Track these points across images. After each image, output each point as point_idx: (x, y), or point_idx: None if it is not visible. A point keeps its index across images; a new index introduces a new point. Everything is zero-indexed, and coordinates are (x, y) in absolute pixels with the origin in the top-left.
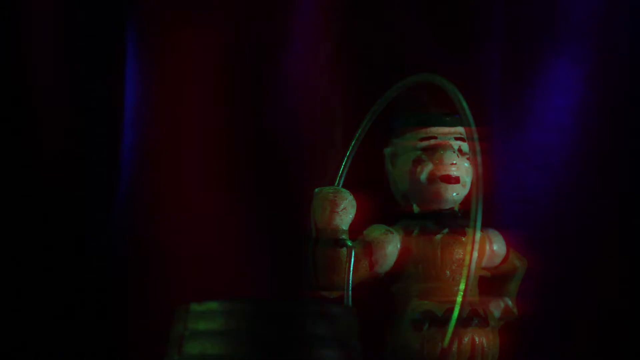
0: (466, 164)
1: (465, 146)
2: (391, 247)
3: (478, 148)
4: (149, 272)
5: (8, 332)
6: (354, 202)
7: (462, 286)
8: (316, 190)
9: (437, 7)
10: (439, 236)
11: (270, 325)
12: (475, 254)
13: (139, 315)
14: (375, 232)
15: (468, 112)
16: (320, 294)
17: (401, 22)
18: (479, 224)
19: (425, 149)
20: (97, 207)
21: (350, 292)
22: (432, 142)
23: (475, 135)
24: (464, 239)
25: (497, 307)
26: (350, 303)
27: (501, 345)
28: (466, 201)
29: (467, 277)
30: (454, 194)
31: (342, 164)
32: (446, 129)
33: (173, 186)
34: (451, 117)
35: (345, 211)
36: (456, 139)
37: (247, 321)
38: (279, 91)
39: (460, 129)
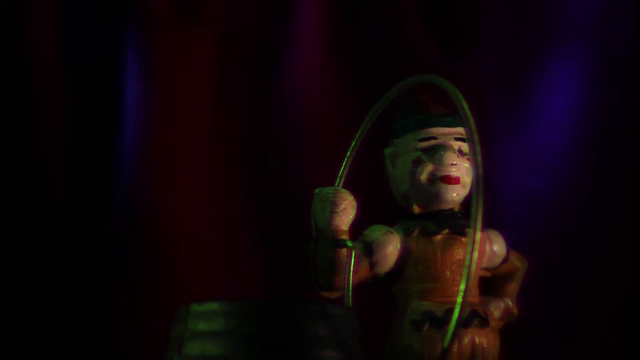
0: (466, 165)
1: (465, 146)
2: (391, 247)
3: (478, 148)
4: (149, 272)
5: (7, 332)
6: (354, 203)
7: (462, 287)
8: (316, 190)
9: (438, 8)
10: (439, 237)
11: (271, 325)
12: (476, 255)
13: (139, 315)
14: (376, 232)
15: (468, 112)
16: (320, 294)
17: (402, 22)
18: (479, 224)
19: (425, 150)
20: (97, 207)
21: (350, 293)
22: (433, 142)
23: (475, 136)
24: (464, 240)
25: (497, 308)
26: (350, 303)
27: (501, 346)
28: (466, 201)
29: (468, 277)
30: (454, 194)
31: (342, 164)
32: (446, 130)
33: (173, 186)
34: (451, 117)
35: (345, 211)
36: (456, 139)
37: (247, 321)
38: (279, 91)
39: (460, 130)
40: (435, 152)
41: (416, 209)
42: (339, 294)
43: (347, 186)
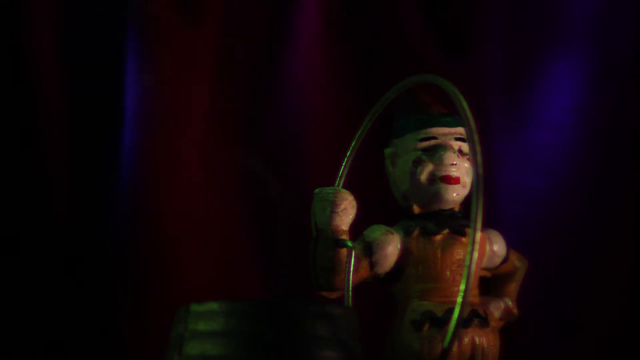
0: (466, 165)
1: (465, 146)
2: (391, 247)
3: (478, 148)
4: (149, 272)
5: (7, 332)
6: (354, 203)
7: (462, 287)
8: (316, 190)
9: (438, 8)
10: (439, 237)
11: (271, 325)
12: (476, 255)
13: (139, 315)
14: (376, 232)
15: (468, 112)
16: (320, 294)
17: (402, 22)
18: (479, 224)
19: (425, 150)
20: (97, 207)
21: (350, 293)
22: (433, 142)
23: (475, 136)
24: (464, 240)
25: (497, 308)
26: (350, 303)
27: (501, 346)
28: (466, 201)
29: (468, 277)
30: (454, 194)
31: (342, 164)
32: (446, 129)
33: (173, 186)
34: (451, 117)
35: (346, 211)
36: (456, 139)
37: (247, 321)
38: (279, 91)
39: (460, 130)
40: (435, 152)
41: (416, 209)
42: (339, 294)
43: (347, 186)
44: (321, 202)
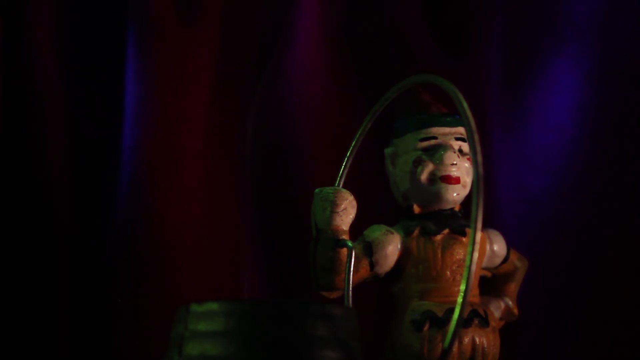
0: (466, 164)
1: (465, 146)
2: (391, 247)
3: (478, 148)
4: (149, 272)
5: (8, 332)
6: (354, 202)
7: (462, 287)
8: (316, 190)
9: (438, 8)
10: (439, 237)
11: (271, 325)
12: (476, 255)
13: (139, 315)
14: (376, 232)
15: (468, 112)
16: (320, 294)
17: (402, 22)
18: (479, 224)
19: (425, 149)
20: (97, 207)
21: (350, 293)
22: (433, 142)
23: (475, 136)
24: (464, 240)
25: (497, 308)
26: (350, 303)
27: (501, 346)
28: (466, 201)
29: (468, 277)
30: (455, 194)
31: (342, 164)
32: (446, 129)
33: (173, 186)
34: (451, 117)
35: (346, 211)
36: (456, 139)
37: (247, 322)
38: (279, 91)
39: (460, 129)
40: (435, 152)
41: (416, 209)
42: (339, 294)
43: (347, 186)
44: (321, 202)
